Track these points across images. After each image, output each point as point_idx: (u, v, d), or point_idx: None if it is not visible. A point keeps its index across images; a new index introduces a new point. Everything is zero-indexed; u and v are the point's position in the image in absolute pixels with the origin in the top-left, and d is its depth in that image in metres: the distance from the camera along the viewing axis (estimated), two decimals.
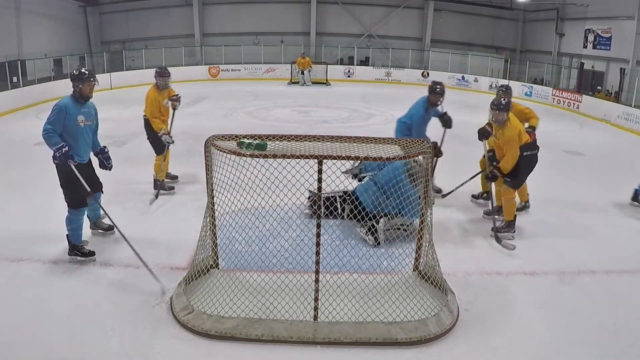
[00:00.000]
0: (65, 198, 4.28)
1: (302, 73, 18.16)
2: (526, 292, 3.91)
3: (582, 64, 17.72)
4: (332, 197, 4.87)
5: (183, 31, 21.54)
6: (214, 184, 3.53)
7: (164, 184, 6.11)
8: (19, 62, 13.96)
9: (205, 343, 3.17)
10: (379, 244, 4.52)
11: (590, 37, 17.50)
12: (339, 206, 4.87)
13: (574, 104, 15.04)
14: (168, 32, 21.35)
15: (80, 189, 4.17)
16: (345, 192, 4.83)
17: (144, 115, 6.16)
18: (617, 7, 15.76)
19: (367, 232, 4.62)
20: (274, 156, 3.13)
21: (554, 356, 3.14)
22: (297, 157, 3.14)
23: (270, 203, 3.43)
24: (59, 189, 6.23)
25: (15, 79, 13.38)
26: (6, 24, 15.90)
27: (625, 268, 4.39)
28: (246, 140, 3.27)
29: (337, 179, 3.69)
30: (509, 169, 4.84)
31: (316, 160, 3.11)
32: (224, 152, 3.23)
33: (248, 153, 3.18)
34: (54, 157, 4.10)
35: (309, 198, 4.86)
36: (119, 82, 16.82)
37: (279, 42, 21.50)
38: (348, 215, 4.75)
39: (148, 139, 6.26)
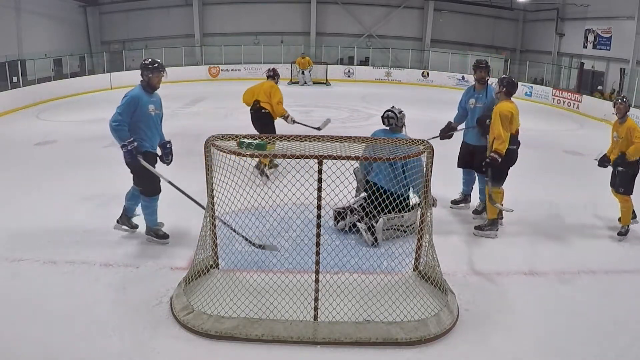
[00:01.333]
0: (138, 187, 4.47)
1: (302, 73, 18.14)
2: (526, 292, 3.91)
3: (582, 64, 17.72)
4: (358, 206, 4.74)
5: (183, 31, 21.54)
6: (214, 184, 3.53)
7: (264, 169, 6.05)
8: (19, 62, 13.95)
9: (205, 343, 3.16)
10: (377, 244, 4.50)
11: (590, 37, 17.50)
12: (373, 209, 4.63)
13: (574, 104, 15.04)
14: (168, 32, 21.35)
15: (154, 177, 4.37)
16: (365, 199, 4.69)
17: (265, 110, 6.43)
18: (617, 7, 15.76)
19: (367, 230, 4.58)
20: (274, 156, 3.13)
21: (554, 356, 3.14)
22: (297, 157, 3.14)
23: (270, 203, 3.43)
24: (58, 189, 6.27)
25: (15, 79, 13.38)
26: (6, 24, 15.90)
27: (625, 268, 4.39)
28: (246, 140, 3.27)
29: (337, 179, 3.69)
30: (503, 147, 4.56)
31: (316, 160, 3.11)
32: (224, 152, 3.24)
33: (248, 153, 3.18)
34: (124, 155, 4.23)
35: (335, 219, 4.76)
36: (119, 82, 16.81)
37: (279, 42, 21.50)
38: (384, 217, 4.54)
39: (264, 130, 6.31)
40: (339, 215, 4.73)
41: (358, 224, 4.67)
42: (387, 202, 3.73)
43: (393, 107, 4.97)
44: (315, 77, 18.46)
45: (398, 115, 4.89)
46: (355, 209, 4.74)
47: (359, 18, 22.08)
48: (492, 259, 4.44)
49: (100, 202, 5.65)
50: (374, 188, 4.50)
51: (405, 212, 4.61)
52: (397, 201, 3.93)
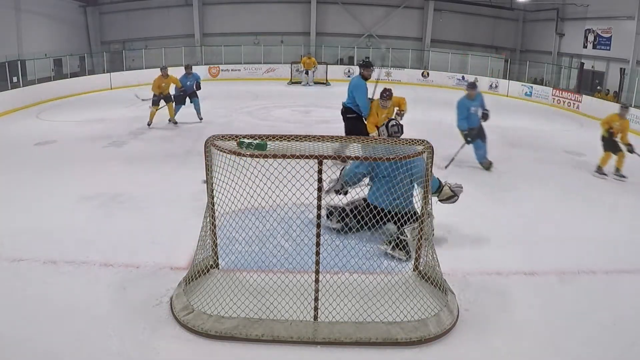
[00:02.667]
0: None
1: (307, 73, 18.10)
2: (526, 292, 3.91)
3: (582, 64, 17.71)
4: (353, 206, 4.60)
5: (183, 31, 21.52)
6: (214, 184, 3.53)
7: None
8: (19, 62, 13.94)
9: (205, 343, 3.17)
10: (410, 257, 4.20)
11: (590, 37, 17.50)
12: (357, 214, 4.49)
13: (574, 104, 15.04)
14: (168, 32, 21.33)
15: None
16: (354, 202, 4.61)
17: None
18: (617, 7, 15.76)
19: (394, 247, 4.27)
20: (274, 156, 3.13)
21: (554, 356, 3.14)
22: (297, 157, 3.14)
23: (270, 203, 3.42)
24: (58, 189, 6.26)
25: (15, 79, 13.36)
26: (6, 24, 15.89)
27: (625, 268, 4.39)
28: (246, 140, 3.26)
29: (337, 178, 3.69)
30: None
31: (316, 160, 3.11)
32: (224, 152, 3.23)
33: (248, 153, 3.18)
34: None
35: (328, 215, 4.66)
36: (119, 82, 16.82)
37: (279, 42, 21.50)
38: (367, 225, 4.32)
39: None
40: (332, 214, 4.67)
41: (382, 247, 4.37)
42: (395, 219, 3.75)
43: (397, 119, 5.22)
44: (315, 77, 18.45)
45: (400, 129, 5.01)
46: (347, 211, 4.58)
47: (359, 18, 22.06)
48: (492, 259, 4.44)
49: (100, 202, 5.65)
50: (376, 211, 4.17)
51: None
52: (405, 217, 3.93)
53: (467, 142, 7.28)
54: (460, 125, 7.26)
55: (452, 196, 4.72)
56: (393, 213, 3.89)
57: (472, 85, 7.44)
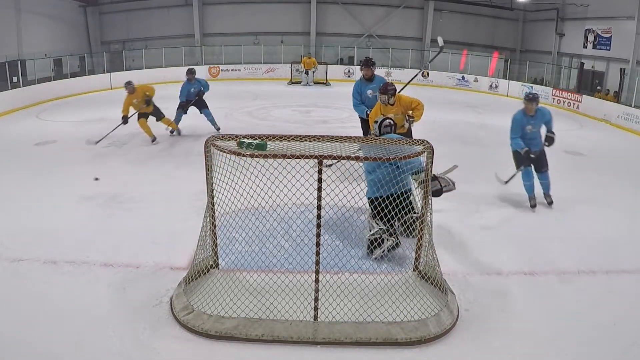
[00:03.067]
0: None
1: (307, 73, 18.10)
2: (526, 292, 3.91)
3: (582, 64, 17.71)
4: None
5: (183, 31, 21.53)
6: (214, 184, 3.53)
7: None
8: (19, 62, 13.95)
9: (205, 343, 3.17)
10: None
11: (590, 37, 17.50)
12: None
13: (574, 104, 15.04)
14: (168, 32, 21.34)
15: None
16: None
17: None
18: (617, 7, 15.76)
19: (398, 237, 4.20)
20: (274, 156, 3.13)
21: (554, 356, 3.14)
22: (297, 157, 3.14)
23: (270, 203, 3.43)
24: (59, 189, 6.25)
25: (15, 79, 13.36)
26: (6, 24, 15.89)
27: (625, 268, 4.39)
28: (246, 140, 3.26)
29: (337, 179, 3.69)
30: None
31: (316, 160, 3.11)
32: (224, 152, 3.24)
33: (248, 153, 3.18)
34: None
35: (368, 248, 4.28)
36: (119, 82, 16.79)
37: (279, 42, 21.51)
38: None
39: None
40: (374, 243, 4.24)
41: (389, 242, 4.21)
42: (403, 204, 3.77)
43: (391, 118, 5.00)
44: (315, 77, 18.45)
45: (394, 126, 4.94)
46: (387, 230, 4.20)
47: (359, 18, 22.07)
48: (492, 259, 4.44)
49: (100, 202, 5.65)
50: (386, 202, 3.94)
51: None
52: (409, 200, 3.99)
53: (519, 169, 5.70)
54: (512, 145, 5.69)
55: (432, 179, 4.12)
56: (395, 196, 3.91)
57: (531, 97, 5.63)
